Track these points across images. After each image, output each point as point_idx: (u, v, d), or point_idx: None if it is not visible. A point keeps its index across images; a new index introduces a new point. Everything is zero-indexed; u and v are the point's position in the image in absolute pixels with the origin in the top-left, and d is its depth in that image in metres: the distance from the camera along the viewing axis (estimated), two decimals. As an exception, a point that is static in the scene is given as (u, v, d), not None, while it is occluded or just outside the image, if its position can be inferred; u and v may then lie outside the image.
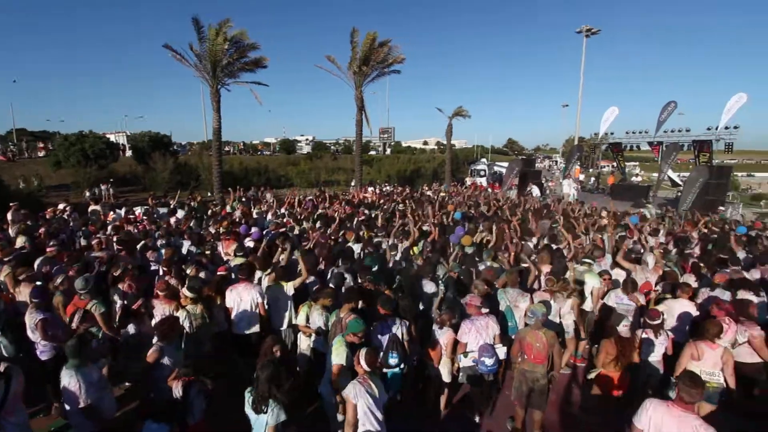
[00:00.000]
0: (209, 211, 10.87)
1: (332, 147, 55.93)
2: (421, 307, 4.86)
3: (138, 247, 6.54)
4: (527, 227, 8.40)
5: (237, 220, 8.91)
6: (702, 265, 6.27)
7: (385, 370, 3.67)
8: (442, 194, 16.71)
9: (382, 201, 12.81)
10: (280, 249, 5.83)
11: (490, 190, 22.96)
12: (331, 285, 4.90)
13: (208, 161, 21.46)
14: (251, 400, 2.84)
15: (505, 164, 28.10)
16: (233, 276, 5.26)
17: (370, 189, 17.47)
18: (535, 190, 20.12)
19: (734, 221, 11.93)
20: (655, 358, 4.27)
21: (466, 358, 3.96)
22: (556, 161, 51.86)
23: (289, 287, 4.87)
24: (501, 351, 3.94)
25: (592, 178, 28.27)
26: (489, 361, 3.70)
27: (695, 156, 20.63)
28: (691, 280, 5.80)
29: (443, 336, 4.06)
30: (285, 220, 8.99)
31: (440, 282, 5.04)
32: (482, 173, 28.01)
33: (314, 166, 33.87)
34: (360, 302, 4.46)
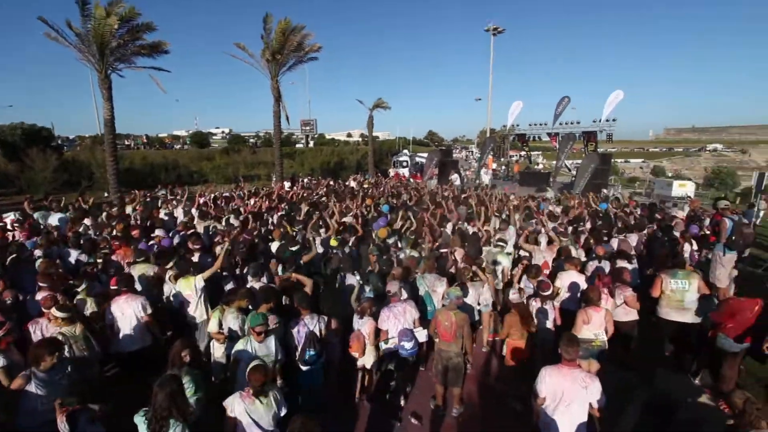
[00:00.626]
0: (104, 214, 9.56)
1: (251, 140, 53.05)
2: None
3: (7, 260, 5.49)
4: (445, 214, 8.81)
5: (135, 222, 7.96)
6: (591, 240, 7.17)
7: (303, 366, 3.61)
8: (365, 185, 16.81)
9: (304, 194, 12.44)
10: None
11: (412, 180, 23.73)
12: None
13: (102, 157, 18.92)
14: (146, 423, 2.52)
15: (426, 155, 29.21)
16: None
17: (287, 184, 16.88)
18: (456, 179, 21.26)
19: (615, 200, 13.87)
20: (549, 325, 4.77)
21: (387, 344, 4.04)
22: (472, 151, 55.40)
23: (198, 281, 4.54)
24: (421, 334, 4.09)
25: (503, 167, 30.70)
26: (408, 345, 3.83)
27: (584, 145, 23.54)
28: (582, 254, 6.61)
29: (365, 325, 4.09)
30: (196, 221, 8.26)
31: (361, 273, 5.07)
32: (405, 164, 28.78)
33: (232, 160, 31.75)
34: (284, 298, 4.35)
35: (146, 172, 24.01)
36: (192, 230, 7.07)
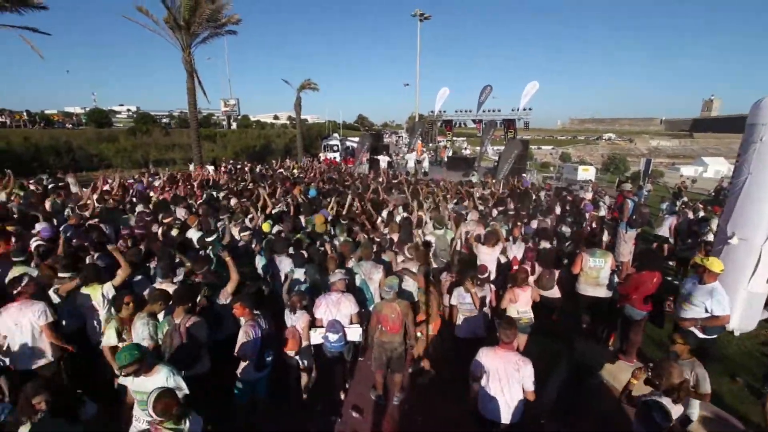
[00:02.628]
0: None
1: (163, 120, 47.80)
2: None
3: None
4: (379, 200, 8.70)
5: (11, 214, 6.60)
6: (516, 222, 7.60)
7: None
8: (294, 171, 16.07)
9: (225, 180, 11.44)
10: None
11: (343, 164, 23.33)
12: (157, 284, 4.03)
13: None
14: None
15: (356, 139, 28.90)
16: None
17: (210, 168, 15.45)
18: (383, 162, 21.32)
19: (532, 184, 15.05)
20: (485, 307, 4.92)
21: (315, 334, 3.80)
22: (402, 136, 56.22)
23: (107, 289, 3.83)
24: (354, 332, 3.86)
25: (431, 152, 31.65)
26: (333, 337, 3.63)
27: (504, 132, 25.16)
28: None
29: (299, 320, 3.81)
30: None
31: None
32: (335, 148, 28.19)
33: (140, 142, 28.27)
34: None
35: (29, 155, 20.32)
36: (89, 223, 6.06)
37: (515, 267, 5.42)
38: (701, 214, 10.28)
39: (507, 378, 2.99)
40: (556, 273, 5.22)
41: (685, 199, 13.89)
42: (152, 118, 43.24)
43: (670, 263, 8.65)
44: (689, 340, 3.37)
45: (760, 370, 4.81)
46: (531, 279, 4.99)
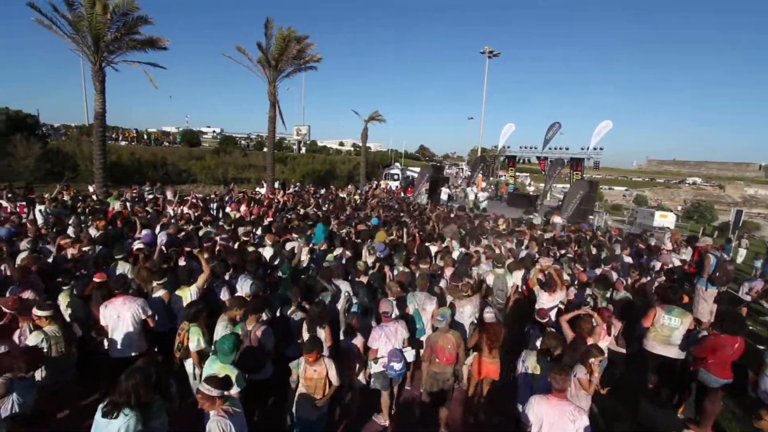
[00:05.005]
0: (86, 209, 9.29)
1: (242, 141, 52.63)
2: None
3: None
4: (433, 232, 8.83)
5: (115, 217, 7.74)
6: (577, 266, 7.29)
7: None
8: (355, 197, 16.79)
9: (293, 202, 12.34)
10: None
11: (403, 194, 23.84)
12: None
13: (89, 149, 18.48)
14: (102, 407, 2.53)
15: (417, 169, 29.44)
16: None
17: (277, 184, 16.68)
18: (443, 194, 21.44)
19: (598, 228, 14.19)
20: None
21: (376, 364, 3.99)
22: (462, 168, 56.08)
23: (193, 291, 4.39)
24: (409, 354, 4.05)
25: (492, 186, 31.17)
26: (398, 366, 3.78)
27: (571, 171, 24.10)
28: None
29: (355, 343, 4.04)
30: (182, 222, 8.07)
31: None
32: (396, 177, 28.95)
33: (222, 161, 31.37)
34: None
35: (133, 168, 23.50)
36: (184, 232, 6.93)
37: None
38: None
39: (561, 429, 2.91)
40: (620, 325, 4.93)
41: (786, 258, 12.23)
42: (233, 140, 47.81)
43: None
44: None
45: None
46: (605, 338, 4.72)
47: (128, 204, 9.74)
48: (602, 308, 4.95)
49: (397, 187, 26.78)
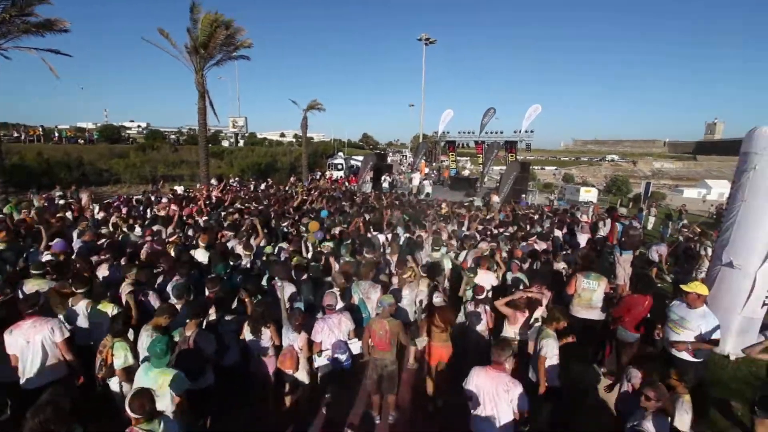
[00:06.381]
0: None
1: (172, 136, 48.87)
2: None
3: None
4: (379, 220, 8.88)
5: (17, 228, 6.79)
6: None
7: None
8: (298, 189, 16.36)
9: (228, 198, 11.68)
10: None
11: (347, 183, 23.67)
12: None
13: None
14: None
15: (361, 158, 29.35)
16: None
17: (213, 181, 15.77)
18: (385, 182, 21.61)
19: (532, 206, 15.21)
20: (482, 327, 5.01)
21: (321, 357, 3.93)
22: (406, 156, 56.88)
23: (114, 309, 3.99)
24: (355, 346, 4.03)
25: (435, 172, 32.02)
26: (342, 357, 3.77)
27: (506, 154, 25.46)
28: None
29: (297, 339, 3.94)
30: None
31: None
32: (339, 167, 28.64)
33: (149, 158, 28.93)
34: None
35: (40, 170, 20.84)
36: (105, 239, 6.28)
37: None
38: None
39: (497, 398, 3.08)
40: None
41: (685, 221, 13.96)
42: (161, 135, 44.17)
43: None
44: (685, 372, 3.43)
45: (754, 396, 4.82)
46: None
47: (33, 211, 8.60)
48: (533, 283, 5.32)
49: (340, 177, 26.53)
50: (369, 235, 7.75)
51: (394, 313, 4.20)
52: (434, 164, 33.83)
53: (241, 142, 47.11)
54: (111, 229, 7.23)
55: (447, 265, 6.22)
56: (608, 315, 5.17)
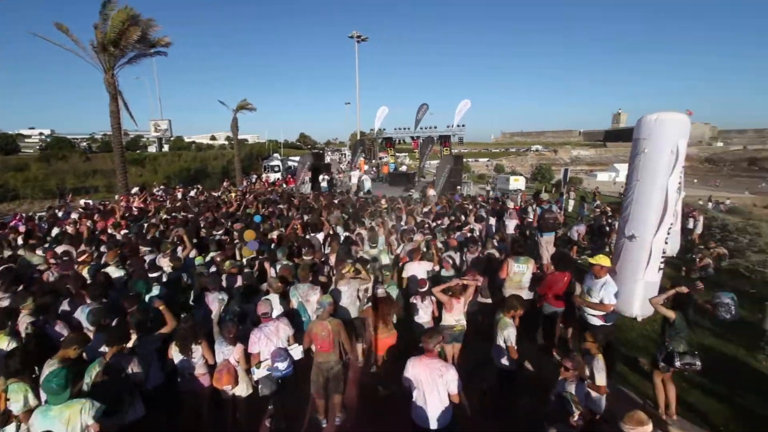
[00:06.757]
0: None
1: (82, 144, 43.89)
2: None
3: None
4: (317, 220, 8.73)
5: None
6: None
7: None
8: (232, 194, 15.55)
9: (152, 208, 10.78)
10: None
11: (285, 185, 22.99)
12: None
13: None
14: None
15: (298, 158, 28.66)
16: None
17: (135, 189, 14.47)
18: (323, 181, 21.30)
19: (468, 197, 15.96)
20: (424, 318, 5.12)
21: (260, 369, 3.78)
22: (345, 154, 56.59)
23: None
24: (296, 351, 3.93)
25: (374, 168, 32.25)
26: (282, 366, 3.65)
27: (441, 148, 26.42)
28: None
29: (233, 352, 3.75)
30: None
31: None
32: (276, 168, 27.72)
33: (56, 169, 25.68)
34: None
35: None
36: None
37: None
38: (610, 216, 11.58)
39: (432, 384, 3.19)
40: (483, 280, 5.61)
41: (598, 202, 15.54)
42: (69, 143, 39.54)
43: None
44: (596, 335, 3.84)
45: (655, 352, 5.52)
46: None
47: None
48: (467, 270, 5.58)
49: (278, 179, 25.69)
50: (308, 236, 7.61)
51: (334, 313, 4.18)
52: (373, 161, 34.06)
53: (166, 147, 43.62)
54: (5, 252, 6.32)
55: (384, 261, 6.29)
56: (535, 294, 5.59)
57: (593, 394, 3.49)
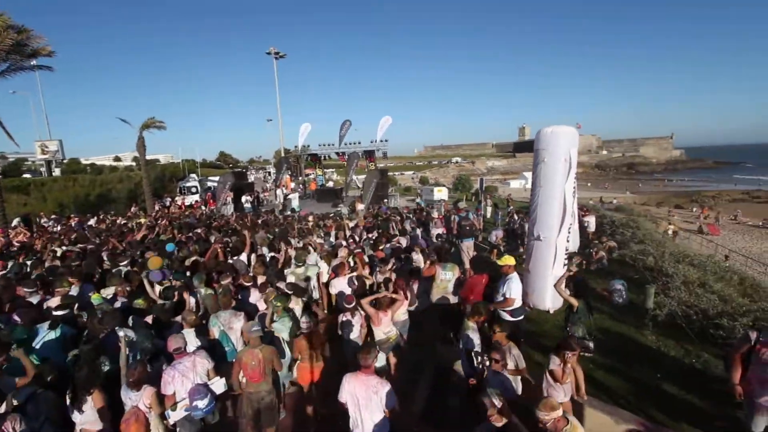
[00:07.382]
0: None
1: (-57, 170, 36.47)
2: None
3: None
4: (239, 243, 8.27)
5: None
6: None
7: None
8: (141, 220, 14.06)
9: (40, 242, 9.31)
10: None
11: (204, 207, 21.48)
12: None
13: None
14: None
15: (218, 178, 27.06)
16: None
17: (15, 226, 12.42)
18: (245, 201, 20.38)
19: (393, 209, 16.38)
20: (355, 335, 5.07)
21: (177, 411, 3.40)
22: (270, 172, 54.76)
23: None
24: (218, 385, 3.61)
25: (301, 186, 31.65)
26: (202, 404, 3.33)
27: (367, 162, 26.94)
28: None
29: (142, 397, 3.33)
30: None
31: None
32: (194, 190, 25.81)
33: None
34: None
35: None
36: None
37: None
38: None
39: (367, 401, 3.17)
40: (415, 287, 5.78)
41: (511, 208, 16.98)
42: None
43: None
44: (504, 327, 4.17)
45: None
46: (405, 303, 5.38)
47: None
48: (396, 280, 5.69)
49: (195, 201, 23.92)
50: (230, 260, 7.16)
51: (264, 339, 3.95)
52: (300, 178, 33.43)
53: (57, 171, 38.12)
54: None
55: (313, 278, 6.17)
56: (459, 298, 5.88)
57: (510, 379, 3.76)
